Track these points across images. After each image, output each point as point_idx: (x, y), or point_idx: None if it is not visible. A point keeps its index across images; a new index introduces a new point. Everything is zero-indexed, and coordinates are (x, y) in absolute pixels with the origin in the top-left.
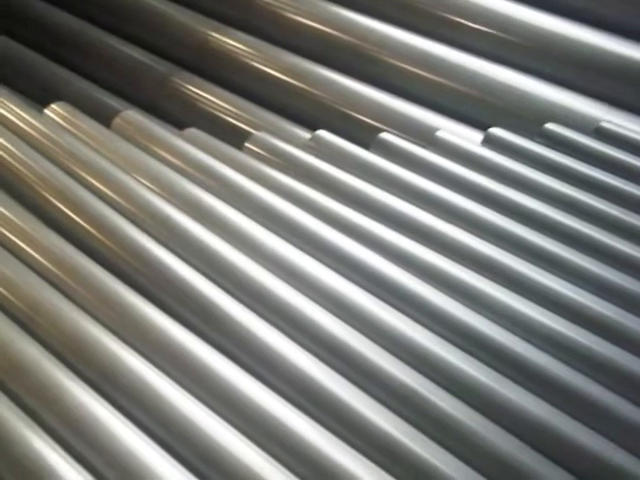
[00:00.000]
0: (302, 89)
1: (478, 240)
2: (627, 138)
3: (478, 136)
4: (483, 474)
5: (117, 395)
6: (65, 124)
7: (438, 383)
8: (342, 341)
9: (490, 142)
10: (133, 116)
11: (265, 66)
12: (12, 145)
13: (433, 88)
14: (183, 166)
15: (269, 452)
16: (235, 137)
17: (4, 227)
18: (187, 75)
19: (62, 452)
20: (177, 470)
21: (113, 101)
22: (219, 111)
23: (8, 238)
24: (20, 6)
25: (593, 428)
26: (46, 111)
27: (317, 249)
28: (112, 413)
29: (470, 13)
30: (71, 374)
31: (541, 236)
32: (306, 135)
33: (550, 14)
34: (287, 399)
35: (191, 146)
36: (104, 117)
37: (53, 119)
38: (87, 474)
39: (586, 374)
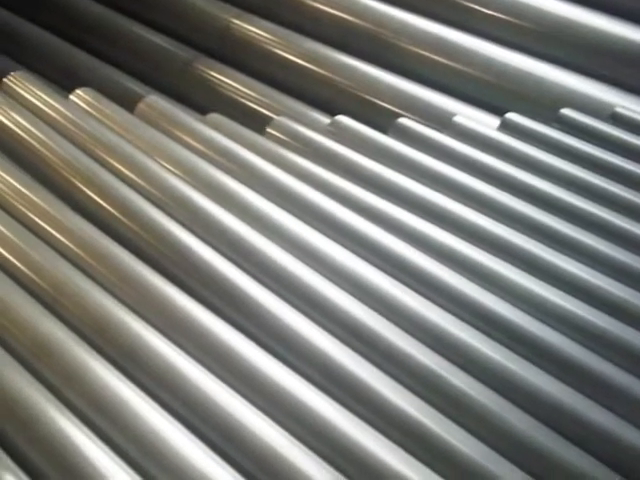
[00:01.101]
0: (322, 75)
1: (494, 222)
2: None
3: (494, 121)
4: (499, 452)
5: (140, 374)
6: (90, 109)
7: (455, 363)
8: (360, 321)
9: (506, 127)
10: (156, 101)
11: (286, 52)
12: (38, 130)
13: (450, 74)
14: (205, 150)
15: (289, 430)
16: (256, 122)
17: (30, 210)
18: (210, 61)
19: (87, 431)
20: (198, 447)
21: (137, 87)
22: (241, 96)
23: (34, 221)
24: None
25: (606, 407)
26: (71, 97)
27: (336, 231)
28: (135, 392)
29: (486, 0)
30: (95, 354)
31: (556, 219)
32: (326, 120)
33: (565, 1)
34: (307, 378)
35: (213, 131)
36: (128, 102)
37: (78, 104)
38: (111, 452)
39: (600, 354)
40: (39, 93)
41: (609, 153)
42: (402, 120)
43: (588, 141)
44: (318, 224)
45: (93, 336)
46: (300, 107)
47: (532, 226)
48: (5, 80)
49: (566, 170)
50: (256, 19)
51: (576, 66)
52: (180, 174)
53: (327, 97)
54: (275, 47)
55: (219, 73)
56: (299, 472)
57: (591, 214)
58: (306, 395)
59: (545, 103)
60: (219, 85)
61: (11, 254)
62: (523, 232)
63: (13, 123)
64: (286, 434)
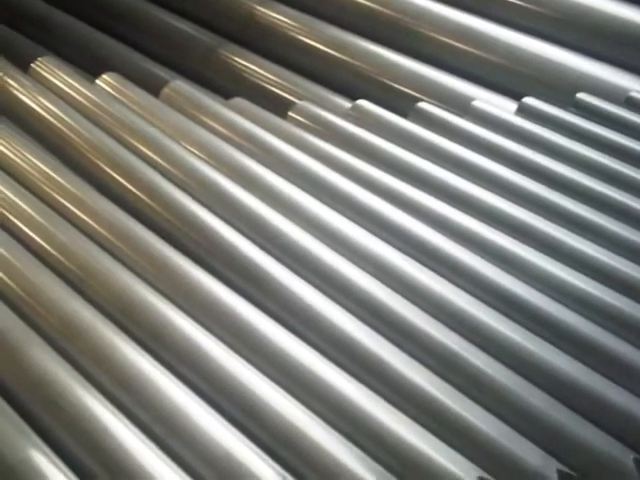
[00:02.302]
0: (343, 60)
1: (512, 205)
2: None
3: (512, 105)
4: (517, 429)
5: (164, 353)
6: (115, 94)
7: (473, 342)
8: (380, 301)
9: (524, 111)
10: (181, 86)
11: (308, 38)
12: (65, 114)
13: (469, 59)
14: (229, 134)
15: (309, 406)
16: (279, 106)
17: (58, 193)
18: (233, 47)
19: (112, 408)
20: (220, 424)
21: (162, 72)
22: (264, 81)
23: (61, 203)
24: None
25: (622, 385)
26: (97, 81)
27: (356, 213)
28: (159, 370)
29: None
30: (121, 333)
31: (573, 201)
32: (347, 104)
33: None
34: (327, 356)
35: (237, 115)
36: (153, 87)
37: (104, 89)
38: (137, 430)
39: (616, 333)
40: (66, 78)
41: (624, 136)
42: (422, 104)
43: (603, 125)
44: (338, 206)
45: (118, 315)
46: (322, 92)
47: (549, 208)
48: (33, 65)
49: (582, 153)
50: (279, 6)
51: (592, 52)
52: (204, 157)
53: (348, 82)
54: (298, 33)
55: (243, 59)
56: (318, 447)
57: (606, 196)
58: (326, 372)
59: (562, 88)
60: (242, 70)
61: (39, 235)
62: (540, 214)
63: (41, 107)
64: (306, 410)
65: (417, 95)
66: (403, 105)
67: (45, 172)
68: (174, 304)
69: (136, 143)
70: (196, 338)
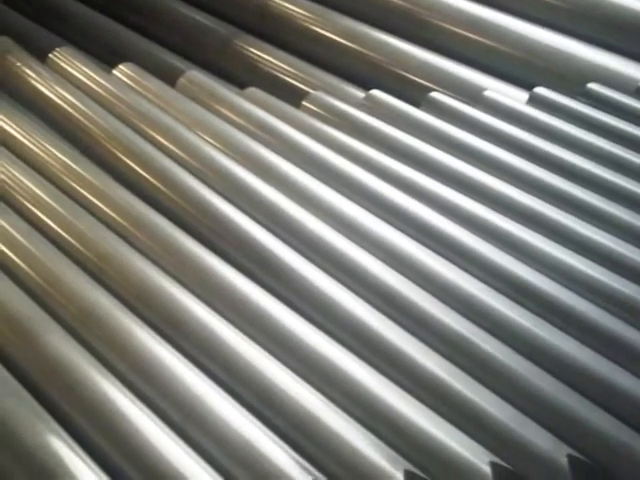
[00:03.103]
0: (356, 50)
1: (523, 193)
2: None
3: (523, 95)
4: (527, 414)
5: (181, 340)
6: (132, 84)
7: (485, 328)
8: (393, 288)
9: (535, 101)
10: (197, 76)
11: (322, 29)
12: (82, 103)
13: (480, 49)
14: (244, 123)
15: (325, 394)
16: (293, 96)
17: (75, 181)
18: (248, 37)
19: (129, 394)
20: (237, 410)
21: (178, 62)
22: (278, 71)
23: (79, 192)
24: None
25: (631, 371)
26: (114, 71)
27: (369, 201)
28: (176, 357)
29: None
30: (138, 320)
31: (583, 189)
32: (360, 94)
33: None
34: (342, 344)
35: (251, 105)
36: (169, 77)
37: (120, 79)
38: (154, 416)
39: (625, 320)
40: (83, 68)
41: (634, 126)
42: (434, 94)
43: (614, 114)
44: (351, 193)
45: (136, 303)
46: (335, 82)
47: (559, 196)
48: (51, 56)
49: (592, 142)
50: None
51: (602, 42)
52: (219, 146)
53: (361, 72)
54: (312, 24)
55: (257, 49)
56: (333, 432)
57: (616, 184)
58: (340, 358)
59: (572, 78)
60: (257, 60)
61: (57, 224)
62: (550, 202)
63: (58, 97)
64: (320, 396)
65: (429, 85)
66: (415, 95)
67: (63, 161)
68: (189, 291)
69: (152, 132)
70: (211, 324)
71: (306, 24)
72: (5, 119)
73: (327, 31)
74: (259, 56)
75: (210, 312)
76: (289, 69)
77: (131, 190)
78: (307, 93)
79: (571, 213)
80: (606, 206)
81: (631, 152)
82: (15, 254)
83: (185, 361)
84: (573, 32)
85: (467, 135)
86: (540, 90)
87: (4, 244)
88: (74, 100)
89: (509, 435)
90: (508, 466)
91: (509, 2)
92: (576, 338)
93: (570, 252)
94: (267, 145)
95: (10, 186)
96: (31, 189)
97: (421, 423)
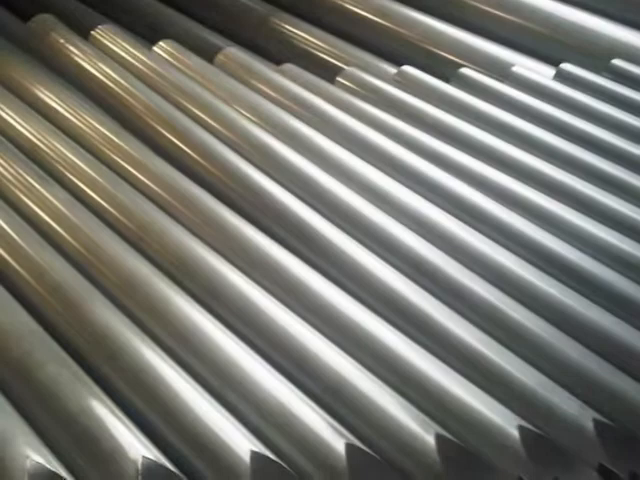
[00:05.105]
0: (389, 28)
1: (551, 166)
2: None
3: (550, 71)
4: (554, 380)
5: (219, 307)
6: (172, 60)
7: (514, 297)
8: (426, 259)
9: (561, 77)
10: (235, 53)
11: (356, 7)
12: (123, 79)
13: (509, 27)
14: (280, 98)
15: (358, 360)
16: (327, 72)
17: (116, 154)
18: (284, 15)
19: (170, 361)
20: (273, 376)
21: (216, 39)
22: (313, 48)
23: (120, 165)
24: None
25: None
26: (154, 48)
27: (402, 174)
28: (214, 324)
29: None
30: (177, 289)
31: (609, 163)
32: (392, 70)
33: None
34: (375, 311)
35: (288, 80)
36: (208, 54)
37: (161, 55)
38: (193, 381)
39: None
40: (125, 45)
41: None
42: (464, 70)
43: (637, 89)
44: (385, 167)
45: (175, 272)
46: (368, 58)
47: (586, 169)
48: (93, 33)
49: (616, 116)
50: None
51: (627, 19)
52: (256, 120)
53: (394, 48)
54: (346, 2)
55: (293, 26)
56: (366, 397)
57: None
58: (373, 326)
59: (597, 54)
60: (293, 37)
61: (99, 195)
62: (578, 175)
63: (101, 73)
64: (355, 363)
65: (459, 61)
66: (446, 70)
67: (104, 134)
68: (227, 260)
69: (191, 107)
70: (249, 293)
71: (340, 2)
72: (49, 94)
73: (360, 9)
74: (295, 33)
75: (247, 280)
76: (324, 46)
77: (170, 162)
78: (341, 69)
79: (597, 185)
80: (631, 178)
81: None
82: (58, 224)
83: (222, 328)
84: (598, 10)
85: (495, 109)
86: (566, 66)
87: (47, 215)
88: (116, 76)
89: (537, 400)
90: (536, 430)
91: None
92: (601, 305)
93: (595, 223)
94: (302, 119)
95: (53, 158)
96: (73, 161)
97: (452, 388)
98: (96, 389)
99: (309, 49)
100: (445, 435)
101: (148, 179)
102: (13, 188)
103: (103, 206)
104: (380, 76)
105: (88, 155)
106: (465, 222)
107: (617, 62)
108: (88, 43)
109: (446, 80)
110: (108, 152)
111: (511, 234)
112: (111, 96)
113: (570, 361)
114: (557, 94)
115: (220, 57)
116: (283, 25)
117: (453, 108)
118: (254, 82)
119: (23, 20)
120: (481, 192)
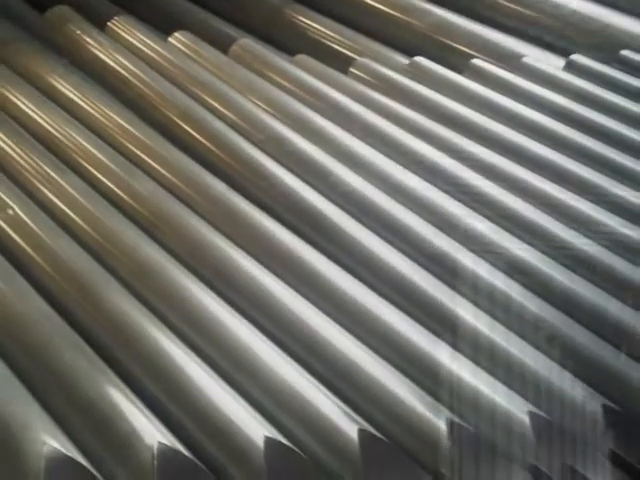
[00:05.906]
0: (402, 19)
1: (561, 156)
2: None
3: (560, 62)
4: (565, 367)
5: (233, 294)
6: (187, 51)
7: (523, 284)
8: (439, 248)
9: (571, 67)
10: (249, 44)
11: None
12: (139, 70)
13: (520, 18)
14: (294, 89)
15: (368, 344)
16: (341, 62)
17: (132, 144)
18: (298, 7)
19: (184, 347)
20: (285, 361)
21: (231, 30)
22: (327, 39)
23: (136, 154)
24: None
25: None
26: (170, 39)
27: (414, 163)
28: (228, 311)
29: None
30: (191, 276)
31: (619, 152)
32: (405, 61)
33: None
34: (387, 299)
35: (301, 71)
36: (222, 45)
37: (176, 46)
38: (207, 367)
39: None
40: (140, 36)
41: None
42: (475, 61)
43: None
44: (397, 156)
45: (189, 259)
46: (381, 49)
47: (595, 158)
48: (109, 24)
49: (625, 106)
50: None
51: (636, 11)
52: (270, 110)
53: (406, 39)
54: None
55: (307, 18)
56: (378, 382)
57: None
58: (386, 313)
59: (607, 45)
60: (307, 29)
61: (114, 184)
62: (587, 164)
63: (117, 64)
64: (364, 347)
65: (471, 52)
66: (458, 61)
67: (120, 124)
68: (241, 248)
69: (206, 97)
70: (262, 280)
71: None
72: (65, 84)
73: (373, 0)
74: (308, 25)
75: (260, 268)
76: (337, 37)
77: (185, 152)
78: (354, 60)
79: (607, 174)
80: (639, 167)
81: None
82: (74, 213)
83: (236, 314)
84: (608, 1)
85: (507, 100)
86: (576, 57)
87: (64, 203)
88: (131, 66)
89: (547, 387)
90: (545, 415)
91: None
92: (612, 294)
93: (606, 212)
94: (315, 109)
95: (69, 147)
96: (89, 150)
97: (462, 374)
98: (112, 375)
99: (322, 40)
100: (455, 420)
101: (163, 168)
102: (30, 177)
103: (119, 195)
104: (392, 67)
105: (104, 144)
106: (476, 210)
107: (627, 53)
108: (104, 34)
109: (458, 71)
110: (124, 141)
111: (522, 223)
112: (127, 86)
113: (580, 348)
114: (567, 85)
115: (234, 48)
116: (297, 17)
117: (465, 98)
118: (268, 73)
119: (40, 11)
120: (492, 181)
